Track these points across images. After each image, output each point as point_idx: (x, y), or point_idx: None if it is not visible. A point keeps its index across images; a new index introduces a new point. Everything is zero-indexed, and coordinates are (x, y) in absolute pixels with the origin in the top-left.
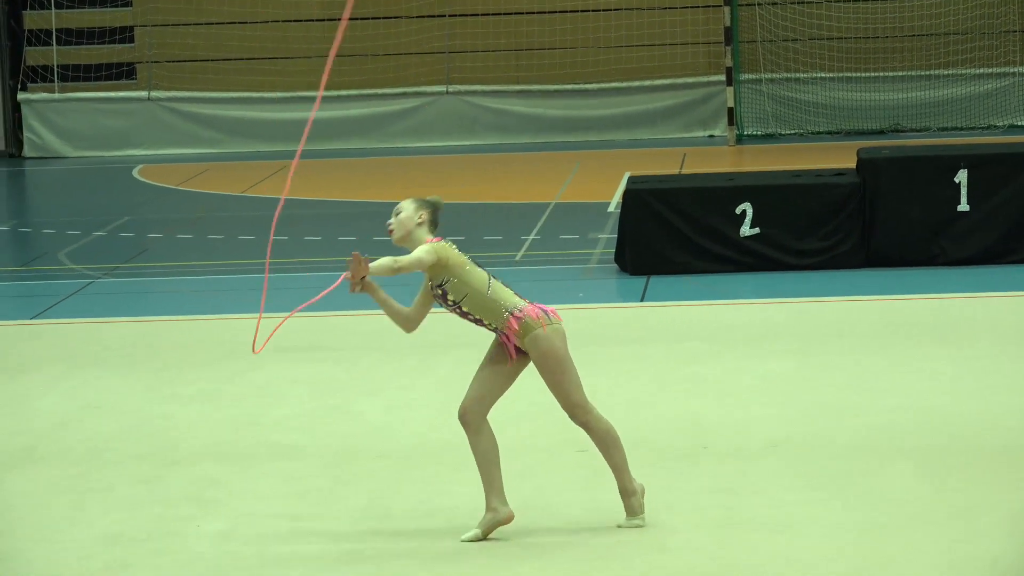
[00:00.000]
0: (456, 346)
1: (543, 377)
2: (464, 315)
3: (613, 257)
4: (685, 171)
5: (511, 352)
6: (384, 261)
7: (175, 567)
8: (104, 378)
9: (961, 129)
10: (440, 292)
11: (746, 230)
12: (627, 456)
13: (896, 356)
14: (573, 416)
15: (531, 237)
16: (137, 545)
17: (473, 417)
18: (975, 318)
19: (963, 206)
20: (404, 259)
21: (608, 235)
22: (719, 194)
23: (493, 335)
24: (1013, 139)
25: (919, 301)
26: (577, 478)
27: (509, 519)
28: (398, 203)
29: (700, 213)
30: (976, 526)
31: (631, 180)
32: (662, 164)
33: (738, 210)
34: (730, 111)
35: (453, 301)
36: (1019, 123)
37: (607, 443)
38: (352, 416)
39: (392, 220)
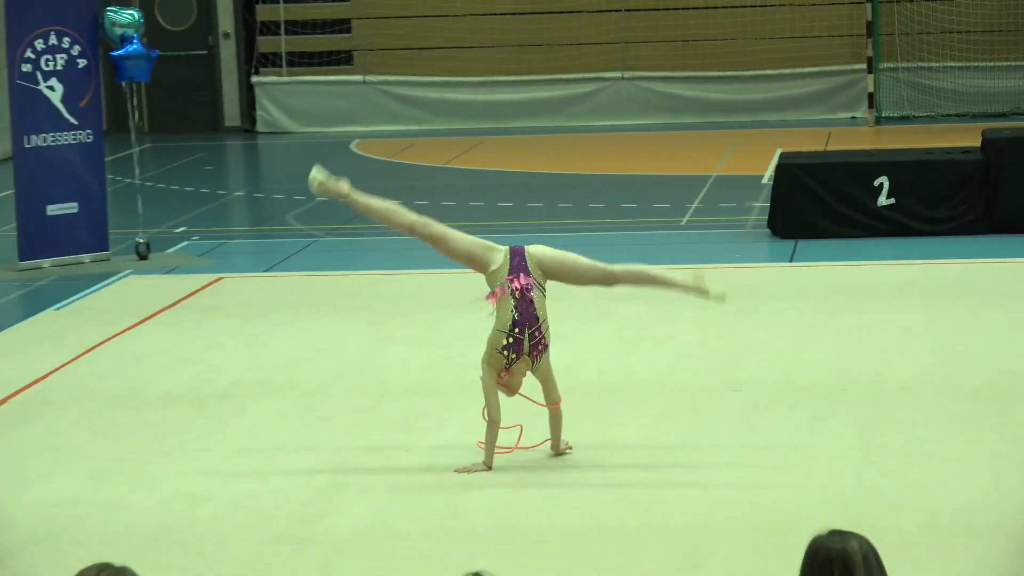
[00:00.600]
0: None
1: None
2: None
3: (767, 223)
4: (830, 148)
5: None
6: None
7: (386, 482)
8: (327, 323)
9: None
10: (542, 285)
11: (883, 200)
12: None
13: (1015, 310)
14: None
15: (695, 205)
16: (359, 460)
17: None
18: None
19: None
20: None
21: (762, 204)
22: (860, 168)
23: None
24: None
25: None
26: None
27: None
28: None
29: (843, 185)
30: None
31: (783, 156)
32: (810, 142)
33: (876, 182)
34: (870, 96)
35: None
36: None
37: None
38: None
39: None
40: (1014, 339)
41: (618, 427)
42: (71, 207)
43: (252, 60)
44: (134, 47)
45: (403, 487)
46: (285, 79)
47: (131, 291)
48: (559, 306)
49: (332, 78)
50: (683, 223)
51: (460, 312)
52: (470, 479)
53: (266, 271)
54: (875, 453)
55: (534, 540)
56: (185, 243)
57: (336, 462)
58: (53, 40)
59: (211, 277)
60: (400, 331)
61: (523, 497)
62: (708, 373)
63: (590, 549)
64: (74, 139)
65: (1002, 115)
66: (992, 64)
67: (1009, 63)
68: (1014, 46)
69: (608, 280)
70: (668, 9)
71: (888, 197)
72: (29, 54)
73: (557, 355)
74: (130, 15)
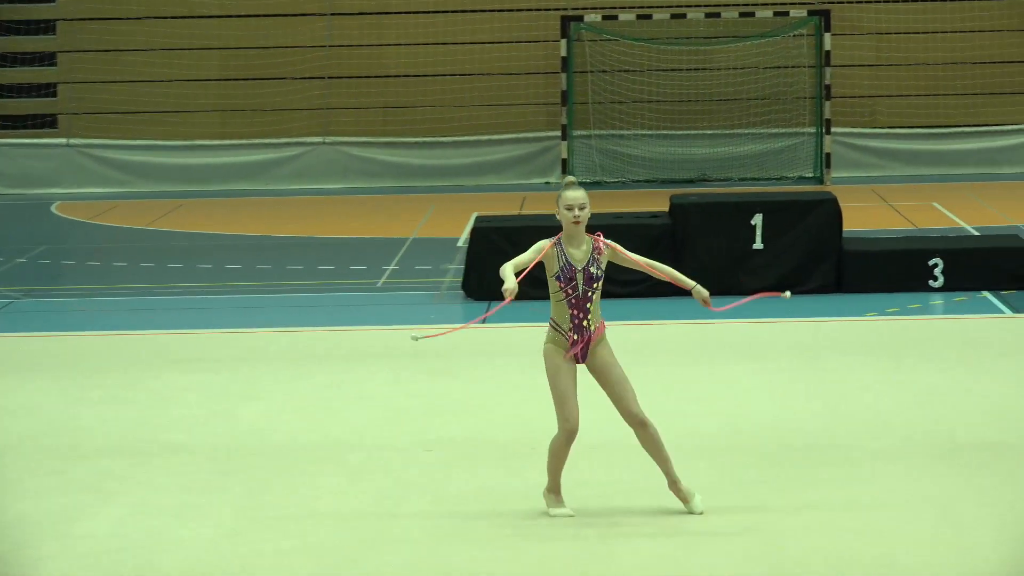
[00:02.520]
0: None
1: (614, 373)
2: (586, 299)
3: (461, 285)
4: (524, 212)
5: (580, 354)
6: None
7: (76, 547)
8: (20, 384)
9: (758, 179)
10: (597, 274)
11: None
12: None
13: (702, 369)
14: (636, 413)
15: (391, 267)
16: (43, 527)
17: (576, 433)
18: (767, 339)
19: (758, 244)
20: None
21: (457, 266)
22: (553, 232)
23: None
24: (800, 188)
25: (722, 325)
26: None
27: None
28: (574, 192)
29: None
30: (758, 518)
31: (478, 219)
32: (505, 206)
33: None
34: (563, 161)
35: (596, 288)
36: (807, 175)
37: (657, 438)
38: (234, 419)
39: (580, 212)
40: (700, 397)
41: (309, 488)
42: None
43: None
44: None
45: (90, 551)
46: None
47: None
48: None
49: (36, 140)
50: (379, 284)
51: (154, 372)
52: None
53: None
54: None
55: None
56: None
57: (21, 524)
58: None
59: None
60: (94, 391)
61: (217, 564)
62: (402, 433)
63: None
64: None
65: (690, 181)
66: (681, 132)
67: (696, 131)
68: (701, 116)
69: None
70: (371, 77)
71: None
72: None
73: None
74: None
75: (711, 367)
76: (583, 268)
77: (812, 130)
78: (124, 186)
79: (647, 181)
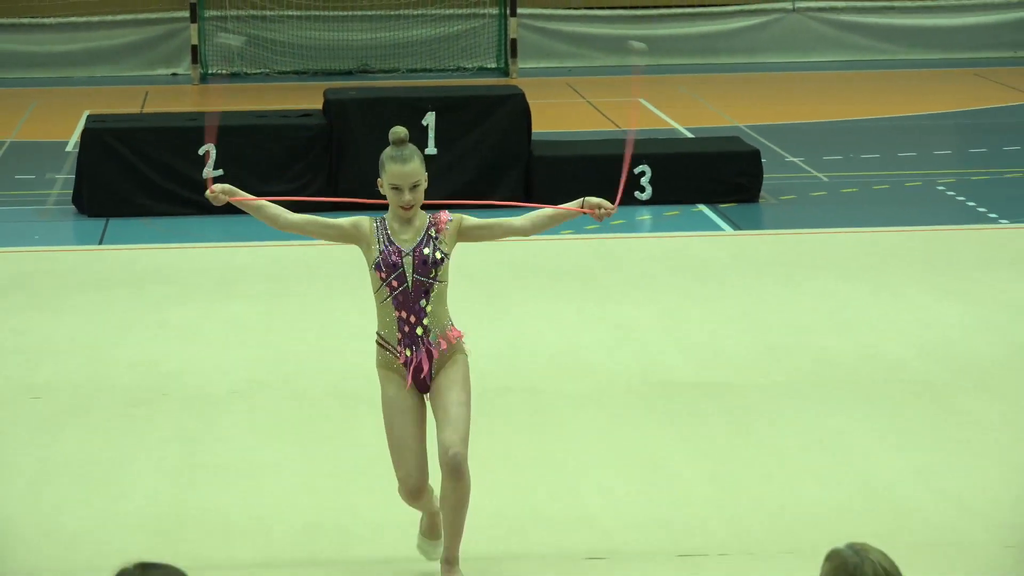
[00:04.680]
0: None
1: (452, 396)
2: (417, 295)
3: (71, 198)
4: (147, 110)
5: (421, 377)
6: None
7: None
8: None
9: (431, 71)
10: (436, 258)
11: (209, 171)
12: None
13: (362, 300)
14: (455, 453)
15: None
16: None
17: (424, 487)
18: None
19: (431, 148)
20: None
21: (66, 175)
22: (182, 134)
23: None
24: (481, 81)
25: None
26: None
27: None
28: (400, 167)
29: (163, 154)
30: None
31: (90, 119)
32: (123, 102)
33: (201, 151)
34: (194, 48)
35: (435, 279)
36: (489, 65)
37: (463, 500)
38: None
39: (411, 196)
40: (361, 334)
41: None
42: None
43: None
44: None
45: None
46: None
47: None
48: None
49: None
50: None
51: None
52: None
53: None
54: (198, 467)
55: None
56: None
57: None
58: None
59: None
60: None
61: None
62: (2, 377)
63: None
64: None
65: (348, 72)
66: (336, 13)
67: (356, 12)
68: None
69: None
70: None
71: (216, 167)
72: None
73: None
74: None
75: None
76: (412, 250)
77: (495, 11)
78: None
79: (297, 73)
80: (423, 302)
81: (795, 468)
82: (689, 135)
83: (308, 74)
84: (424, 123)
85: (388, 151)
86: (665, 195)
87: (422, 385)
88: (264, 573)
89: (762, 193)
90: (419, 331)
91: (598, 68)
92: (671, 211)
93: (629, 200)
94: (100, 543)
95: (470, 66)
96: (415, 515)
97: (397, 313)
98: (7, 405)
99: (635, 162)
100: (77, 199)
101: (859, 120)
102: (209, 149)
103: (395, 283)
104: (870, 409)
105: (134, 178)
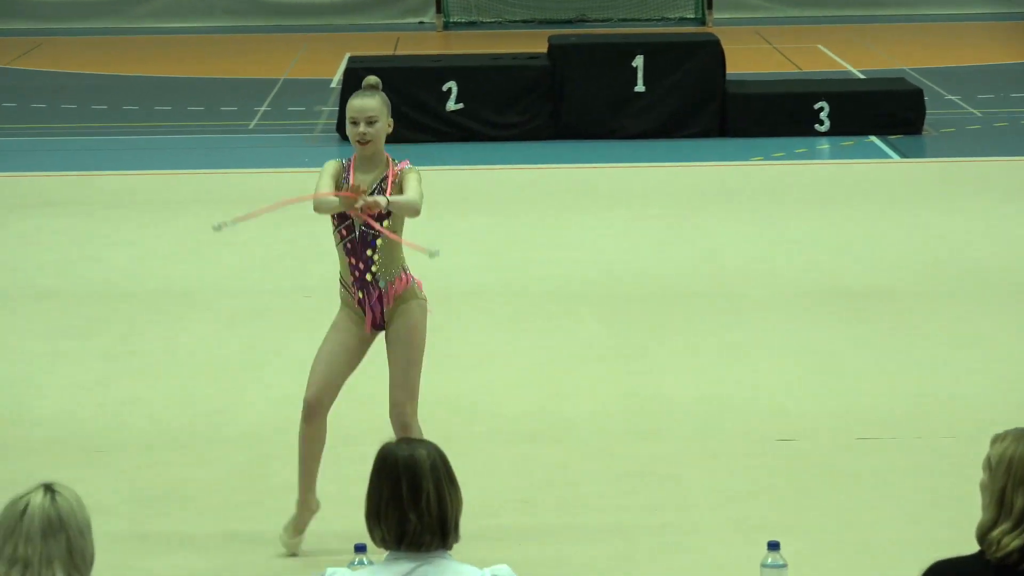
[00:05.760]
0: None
1: (400, 354)
2: (363, 245)
3: (335, 127)
4: (399, 53)
5: (375, 318)
6: (409, 200)
7: None
8: None
9: (639, 20)
10: (388, 213)
11: (451, 105)
12: None
13: (580, 216)
14: (402, 411)
15: (263, 108)
16: None
17: (322, 409)
18: (649, 185)
19: (639, 87)
20: (418, 200)
21: (331, 108)
22: (429, 73)
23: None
24: (682, 30)
25: (601, 169)
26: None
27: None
28: (360, 100)
29: (412, 89)
30: (649, 363)
31: (351, 60)
32: (379, 46)
33: (444, 87)
34: (438, 0)
35: (381, 226)
36: (688, 15)
37: None
38: (104, 263)
39: (368, 129)
40: (578, 244)
41: (183, 332)
42: None
43: None
44: None
45: None
46: None
47: None
48: None
49: None
50: (251, 127)
51: (28, 214)
52: None
53: None
54: (444, 358)
55: (98, 450)
56: None
57: None
58: None
59: None
60: None
61: (87, 410)
62: (278, 276)
63: (156, 459)
64: None
65: (568, 22)
66: None
67: None
68: None
69: None
70: None
71: (457, 102)
72: None
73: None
74: None
75: (591, 213)
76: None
77: None
78: None
79: (524, 21)
80: (369, 251)
81: (954, 363)
82: (861, 76)
83: (534, 23)
84: (634, 64)
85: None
86: (841, 127)
87: (374, 322)
88: (497, 449)
89: (925, 126)
90: (368, 277)
91: (783, 18)
92: (846, 141)
93: (810, 132)
94: (356, 420)
95: (672, 16)
96: (619, 397)
97: (348, 259)
98: (283, 299)
99: (814, 99)
100: (340, 127)
101: (1010, 63)
102: (451, 86)
103: (344, 231)
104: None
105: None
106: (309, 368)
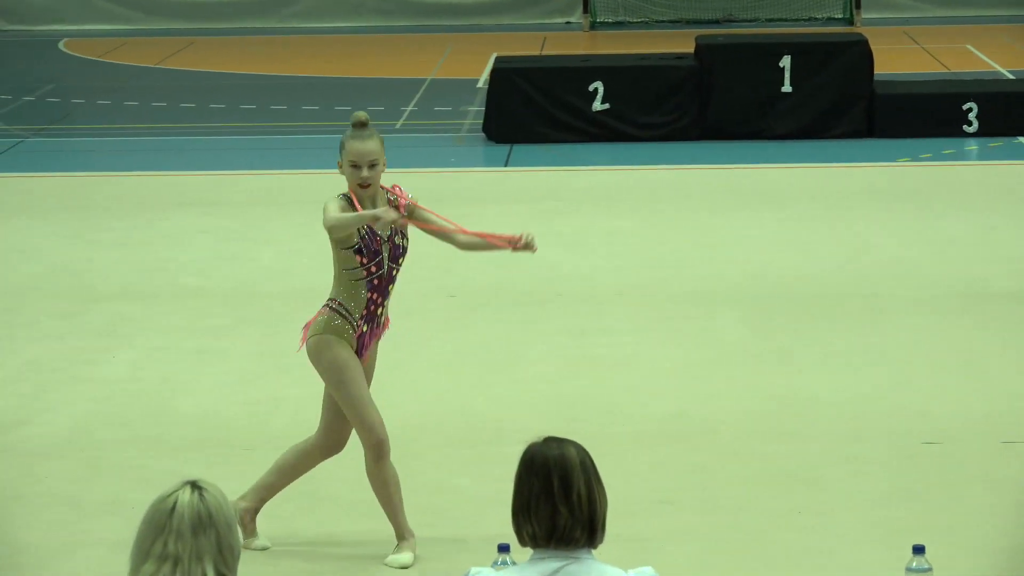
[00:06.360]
0: None
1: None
2: (389, 281)
3: (482, 127)
4: (545, 53)
5: (360, 350)
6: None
7: (91, 391)
8: (31, 224)
9: (786, 20)
10: (404, 247)
11: (598, 105)
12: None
13: (725, 215)
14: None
15: (409, 108)
16: (57, 372)
17: (388, 445)
18: (794, 185)
19: (787, 87)
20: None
21: (477, 108)
22: (575, 73)
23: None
24: (830, 30)
25: (747, 170)
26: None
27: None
28: (360, 144)
29: (558, 89)
30: (792, 364)
31: (498, 60)
32: (525, 46)
33: (591, 87)
34: (585, 1)
35: (401, 265)
36: (836, 16)
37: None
38: (249, 262)
39: (370, 173)
40: (723, 244)
41: None
42: None
43: None
44: None
45: (107, 395)
46: None
47: None
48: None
49: None
50: (398, 126)
51: (174, 213)
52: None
53: None
54: (587, 359)
55: (245, 448)
56: None
57: (36, 369)
58: None
59: None
60: (105, 234)
61: (232, 408)
62: (421, 278)
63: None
64: None
65: (715, 22)
66: None
67: None
68: None
69: None
70: None
71: (603, 102)
72: None
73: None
74: None
75: (736, 214)
76: (388, 239)
77: None
78: (130, 23)
79: (671, 22)
80: (391, 287)
81: None
82: (1011, 76)
83: (681, 23)
84: (781, 65)
85: (348, 132)
86: (989, 128)
87: (360, 353)
88: (639, 450)
89: None
90: (379, 311)
91: (931, 18)
92: (994, 142)
93: (958, 133)
94: (499, 420)
95: (820, 16)
96: (762, 399)
97: (369, 295)
98: (428, 300)
99: (963, 99)
100: (487, 127)
101: None
102: (598, 86)
103: (374, 268)
104: None
105: (534, 110)
106: (377, 396)
